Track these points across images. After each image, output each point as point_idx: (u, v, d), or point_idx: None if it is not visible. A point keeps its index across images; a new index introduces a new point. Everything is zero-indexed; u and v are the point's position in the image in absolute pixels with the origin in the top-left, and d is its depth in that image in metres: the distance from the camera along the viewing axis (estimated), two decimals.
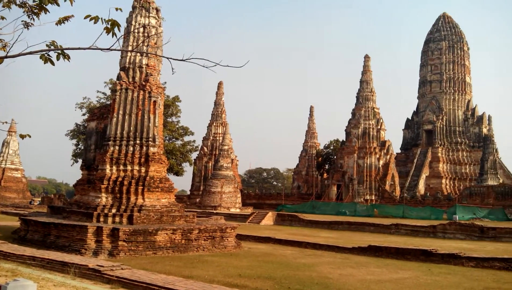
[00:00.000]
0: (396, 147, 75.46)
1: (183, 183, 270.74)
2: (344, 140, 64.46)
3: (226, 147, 53.88)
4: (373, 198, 58.89)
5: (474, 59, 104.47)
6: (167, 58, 5.93)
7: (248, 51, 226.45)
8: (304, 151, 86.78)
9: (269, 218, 38.95)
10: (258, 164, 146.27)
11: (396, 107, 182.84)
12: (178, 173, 60.72)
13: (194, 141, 64.45)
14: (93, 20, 5.63)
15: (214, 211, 43.52)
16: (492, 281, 13.61)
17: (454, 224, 29.59)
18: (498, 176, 61.85)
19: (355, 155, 60.93)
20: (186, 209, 26.05)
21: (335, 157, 69.42)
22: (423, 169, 68.04)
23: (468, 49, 76.91)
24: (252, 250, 20.04)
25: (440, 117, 72.22)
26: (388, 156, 62.91)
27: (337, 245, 21.24)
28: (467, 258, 16.63)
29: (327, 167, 77.73)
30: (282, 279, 12.82)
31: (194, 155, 67.89)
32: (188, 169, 65.87)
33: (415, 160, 69.75)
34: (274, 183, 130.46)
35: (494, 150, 63.75)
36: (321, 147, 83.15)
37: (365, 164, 60.48)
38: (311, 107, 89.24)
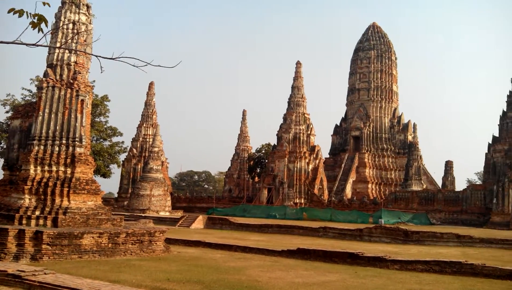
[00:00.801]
0: (325, 152, 77.07)
1: (110, 185, 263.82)
2: (276, 144, 65.12)
3: (156, 149, 52.99)
4: (303, 201, 59.80)
5: (401, 69, 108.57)
6: (96, 56, 5.71)
7: (181, 52, 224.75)
8: (236, 154, 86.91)
9: (199, 221, 38.68)
10: (190, 167, 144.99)
11: (325, 113, 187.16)
12: (106, 175, 59.02)
13: (122, 142, 62.85)
14: (18, 14, 5.29)
15: (143, 215, 42.62)
16: (415, 283, 14.09)
17: (379, 228, 30.54)
18: (422, 181, 64.54)
19: (286, 159, 61.67)
20: (113, 212, 25.37)
21: (266, 160, 69.95)
22: (350, 173, 69.85)
23: (395, 58, 79.80)
24: (181, 254, 19.75)
25: (368, 124, 74.42)
26: (317, 161, 64.14)
27: (266, 248, 21.33)
28: (392, 261, 17.15)
29: (258, 170, 78.15)
30: (211, 283, 12.69)
31: (122, 157, 66.35)
32: (116, 171, 64.30)
33: (343, 165, 71.47)
34: (206, 186, 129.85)
35: (418, 157, 66.47)
36: (253, 150, 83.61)
37: (295, 168, 61.34)
38: (244, 111, 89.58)
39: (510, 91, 54.58)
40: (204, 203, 66.49)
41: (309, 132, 64.72)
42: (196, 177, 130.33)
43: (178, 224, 37.88)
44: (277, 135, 64.81)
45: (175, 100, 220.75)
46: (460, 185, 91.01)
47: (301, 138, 63.42)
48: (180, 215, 43.80)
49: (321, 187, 63.40)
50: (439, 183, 68.18)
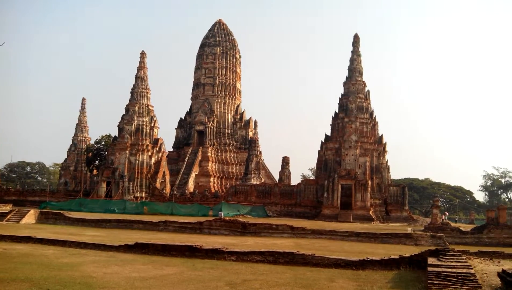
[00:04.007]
0: (168, 146, 76.63)
1: None
2: (117, 135, 63.03)
3: None
4: (144, 195, 58.75)
5: (244, 67, 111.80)
6: None
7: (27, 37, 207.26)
8: (74, 145, 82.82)
9: (30, 216, 36.13)
10: (21, 158, 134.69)
11: (170, 106, 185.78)
12: None
13: None
14: None
15: None
16: (250, 273, 14.48)
17: (219, 221, 31.05)
18: (261, 176, 67.22)
19: (127, 151, 60.03)
20: None
21: (106, 153, 67.48)
22: (194, 167, 70.26)
23: (240, 57, 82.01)
24: (8, 251, 18.22)
25: (212, 119, 75.48)
26: (160, 154, 63.47)
27: (103, 243, 20.53)
28: (229, 252, 17.47)
29: (97, 163, 75.19)
30: (41, 281, 11.87)
31: None
32: None
33: (186, 159, 71.64)
34: (39, 178, 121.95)
35: (258, 152, 69.08)
36: (92, 142, 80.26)
37: (137, 161, 60.02)
38: (83, 99, 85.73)
39: (342, 94, 59.00)
40: (37, 196, 61.98)
41: (152, 125, 63.73)
42: (29, 168, 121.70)
43: (6, 219, 34.93)
44: (118, 126, 62.77)
45: (6, 84, 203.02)
46: (296, 179, 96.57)
47: (144, 130, 62.23)
48: (9, 209, 40.26)
49: (163, 180, 62.85)
50: (277, 177, 71.54)
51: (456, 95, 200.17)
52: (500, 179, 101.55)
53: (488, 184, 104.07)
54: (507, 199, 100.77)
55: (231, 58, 79.75)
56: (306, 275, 14.59)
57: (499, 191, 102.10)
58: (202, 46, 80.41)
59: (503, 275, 11.15)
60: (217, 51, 78.51)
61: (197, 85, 79.09)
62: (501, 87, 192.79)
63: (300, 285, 12.94)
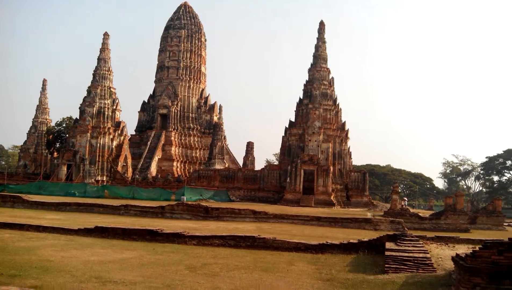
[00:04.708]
0: (131, 129, 75.73)
1: None
2: (78, 118, 61.85)
3: None
4: (105, 179, 58.02)
5: (210, 50, 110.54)
6: None
7: None
8: (34, 127, 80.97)
9: None
10: None
11: (133, 89, 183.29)
12: None
13: None
14: None
15: None
16: (211, 257, 14.47)
17: (181, 205, 30.89)
18: (225, 160, 67.18)
19: (89, 134, 59.05)
20: None
21: (67, 135, 66.20)
22: (156, 151, 69.65)
23: (205, 40, 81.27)
24: None
25: (175, 103, 74.79)
26: (122, 137, 62.66)
27: (62, 227, 20.15)
28: (190, 236, 17.41)
29: (58, 145, 73.73)
30: None
31: None
32: None
33: (149, 143, 70.96)
34: None
35: (223, 137, 69.04)
36: (53, 124, 78.54)
37: (98, 144, 59.12)
38: (44, 80, 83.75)
39: (306, 81, 59.28)
40: None
41: (114, 107, 62.77)
42: None
43: None
44: (80, 108, 61.63)
45: None
46: (260, 165, 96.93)
47: (106, 113, 61.26)
48: None
49: (125, 164, 62.13)
50: (241, 162, 71.65)
51: (418, 84, 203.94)
52: (459, 167, 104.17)
53: (448, 171, 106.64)
54: (465, 186, 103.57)
55: (196, 41, 78.99)
56: (266, 258, 14.67)
57: (458, 178, 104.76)
58: (167, 28, 79.31)
59: (456, 259, 11.43)
60: (182, 34, 77.59)
61: (161, 68, 78.10)
62: (462, 76, 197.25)
63: (260, 268, 13.01)
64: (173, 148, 71.78)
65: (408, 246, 15.19)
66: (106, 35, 63.25)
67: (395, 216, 32.37)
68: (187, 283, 10.66)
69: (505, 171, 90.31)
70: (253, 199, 53.12)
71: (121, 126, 62.96)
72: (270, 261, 14.18)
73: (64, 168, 57.70)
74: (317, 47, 59.94)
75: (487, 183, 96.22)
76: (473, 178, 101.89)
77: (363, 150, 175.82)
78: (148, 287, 10.18)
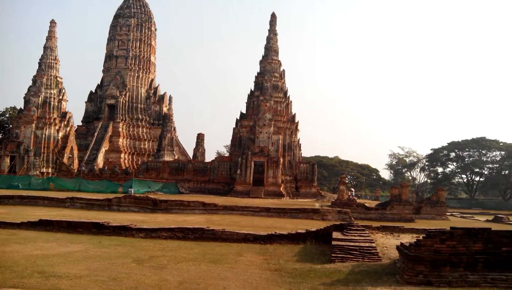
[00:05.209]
0: (78, 120, 73.96)
1: None
2: (22, 108, 59.80)
3: None
4: (50, 171, 56.46)
5: (160, 40, 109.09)
6: None
7: None
8: None
9: None
10: None
11: (81, 78, 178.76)
12: None
13: None
14: None
15: None
16: (158, 249, 14.33)
17: (129, 197, 30.41)
18: (174, 152, 66.55)
19: (34, 125, 57.26)
20: None
21: (10, 126, 63.94)
22: (103, 143, 68.27)
23: (155, 29, 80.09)
24: None
25: (124, 93, 73.43)
26: (68, 128, 61.13)
27: (4, 220, 19.44)
28: (138, 229, 17.17)
29: (1, 136, 71.18)
30: None
31: None
32: None
33: (96, 134, 69.47)
34: None
35: (172, 128, 68.35)
36: None
37: (44, 135, 57.41)
38: None
39: (258, 73, 59.40)
40: None
41: (61, 97, 61.10)
42: None
43: None
44: (24, 98, 59.60)
45: None
46: (210, 156, 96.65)
47: (52, 103, 59.57)
48: None
49: (71, 156, 60.67)
50: (191, 154, 71.17)
51: (366, 78, 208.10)
52: (404, 158, 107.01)
53: (394, 162, 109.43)
54: (410, 177, 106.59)
55: (146, 30, 77.73)
56: (215, 250, 14.66)
57: (404, 170, 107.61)
58: (116, 17, 77.62)
59: (400, 248, 11.77)
60: (131, 23, 76.16)
61: (109, 57, 76.44)
62: (408, 69, 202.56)
63: (209, 260, 12.98)
64: (120, 140, 70.51)
65: (355, 236, 15.51)
66: (53, 23, 61.35)
67: (342, 206, 32.97)
68: (134, 276, 10.53)
69: (449, 162, 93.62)
70: (203, 191, 52.90)
71: (68, 117, 61.36)
72: (219, 253, 14.18)
73: (7, 160, 55.73)
74: (268, 39, 60.11)
75: (432, 174, 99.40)
76: (418, 170, 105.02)
77: (313, 142, 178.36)
78: (94, 280, 9.98)
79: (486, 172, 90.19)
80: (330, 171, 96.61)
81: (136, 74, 75.72)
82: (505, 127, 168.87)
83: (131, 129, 73.20)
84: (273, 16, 60.66)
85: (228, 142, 72.18)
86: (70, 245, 14.54)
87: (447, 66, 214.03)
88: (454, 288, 10.21)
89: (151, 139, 73.86)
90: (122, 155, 69.62)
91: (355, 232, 16.16)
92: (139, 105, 75.44)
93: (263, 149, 52.88)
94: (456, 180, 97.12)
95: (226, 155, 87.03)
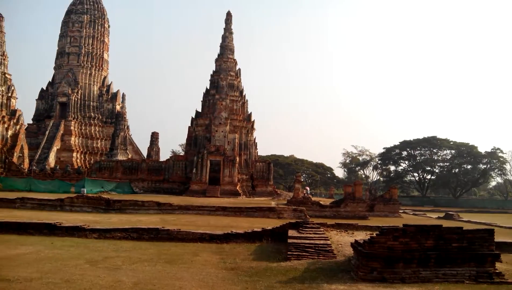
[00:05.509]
0: (28, 118, 71.87)
1: None
2: None
3: None
4: None
5: (114, 37, 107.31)
6: None
7: None
8: None
9: None
10: None
11: (31, 75, 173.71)
12: None
13: None
14: None
15: None
16: (112, 250, 14.10)
17: (82, 197, 29.78)
18: (128, 151, 65.50)
19: None
20: None
21: None
22: (55, 142, 66.59)
23: (108, 26, 78.58)
24: None
25: (76, 91, 71.81)
26: (18, 127, 59.30)
27: None
28: (91, 230, 16.85)
29: None
30: None
31: None
32: None
33: (47, 132, 67.66)
34: None
35: (126, 127, 67.25)
36: None
37: None
38: None
39: (213, 71, 59.17)
40: None
41: (10, 94, 59.18)
42: None
43: None
44: None
45: None
46: (166, 155, 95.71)
47: (0, 100, 57.60)
48: None
49: (21, 155, 58.85)
50: (145, 153, 70.27)
51: (320, 78, 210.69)
52: (358, 157, 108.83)
53: (347, 161, 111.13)
54: (363, 176, 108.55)
55: (99, 27, 76.22)
56: (170, 250, 14.55)
57: (357, 168, 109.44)
58: (69, 13, 75.74)
59: (355, 245, 11.98)
60: (84, 19, 74.52)
61: (61, 54, 74.55)
62: (362, 69, 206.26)
63: (164, 260, 12.87)
64: (72, 138, 68.92)
65: (310, 234, 15.69)
66: (0, 17, 59.35)
67: (297, 205, 33.27)
68: (88, 277, 10.33)
69: (401, 161, 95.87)
70: (158, 190, 52.28)
71: (17, 115, 59.50)
72: (174, 253, 14.08)
73: None
74: (224, 38, 59.97)
75: (384, 173, 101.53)
76: (371, 168, 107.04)
77: (269, 141, 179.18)
78: (46, 283, 9.73)
79: (437, 170, 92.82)
80: (286, 170, 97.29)
81: (89, 72, 74.16)
82: (455, 126, 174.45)
83: (84, 128, 71.67)
84: (229, 15, 60.58)
85: (184, 141, 71.47)
86: (20, 247, 14.14)
87: (397, 66, 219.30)
88: (407, 284, 10.47)
89: (104, 137, 72.49)
90: (75, 154, 68.09)
91: (310, 230, 16.35)
92: (91, 103, 73.90)
93: (219, 148, 52.74)
94: (408, 178, 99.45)
95: (181, 154, 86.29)
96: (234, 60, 59.86)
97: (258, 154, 62.79)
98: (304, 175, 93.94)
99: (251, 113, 59.81)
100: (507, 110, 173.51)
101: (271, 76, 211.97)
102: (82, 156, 69.63)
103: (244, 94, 59.81)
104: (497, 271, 11.13)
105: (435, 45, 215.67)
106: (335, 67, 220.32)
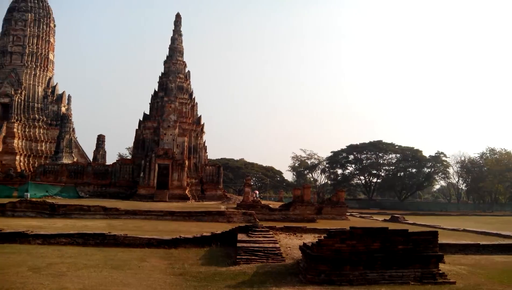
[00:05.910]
0: None
1: None
2: None
3: None
4: None
5: (59, 37, 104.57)
6: None
7: None
8: None
9: None
10: None
11: None
12: None
13: None
14: None
15: None
16: (57, 256, 13.68)
17: (25, 202, 28.77)
18: (73, 154, 63.83)
19: None
20: None
21: None
22: None
23: (54, 26, 76.44)
24: None
25: (19, 92, 69.40)
26: None
27: None
28: (34, 235, 16.30)
29: None
30: None
31: None
32: None
33: None
34: None
35: (71, 129, 65.57)
36: None
37: None
38: None
39: (162, 73, 58.58)
40: None
41: None
42: None
43: None
44: None
45: None
46: (112, 159, 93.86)
47: None
48: None
49: None
50: (91, 156, 68.70)
51: (269, 83, 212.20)
52: (306, 161, 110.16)
53: (296, 164, 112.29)
54: (312, 179, 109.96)
55: (44, 26, 73.96)
56: (117, 256, 14.25)
57: (306, 171, 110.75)
58: (11, 10, 73.10)
59: (303, 248, 12.09)
60: (28, 17, 72.10)
61: (3, 53, 71.84)
62: (310, 76, 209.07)
63: (111, 266, 12.59)
64: (15, 141, 66.53)
65: (259, 237, 15.73)
66: None
67: (247, 208, 33.31)
68: (30, 285, 9.96)
69: (348, 164, 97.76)
70: (104, 195, 51.16)
71: None
72: (121, 259, 13.80)
73: None
74: (173, 40, 59.50)
75: (332, 176, 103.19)
76: (319, 171, 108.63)
77: (219, 145, 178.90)
78: None
79: (382, 174, 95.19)
80: (235, 173, 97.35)
81: (33, 72, 71.84)
82: (400, 131, 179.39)
83: (27, 130, 69.32)
84: (178, 17, 60.17)
85: (131, 145, 70.23)
86: None
87: (343, 72, 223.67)
88: (355, 286, 10.64)
89: (49, 140, 70.35)
90: (17, 157, 65.74)
91: (259, 233, 16.39)
92: (36, 105, 71.57)
93: (167, 152, 52.16)
94: (355, 181, 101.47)
95: (128, 157, 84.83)
96: (184, 62, 59.48)
97: (208, 157, 62.56)
98: (254, 179, 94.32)
99: (200, 116, 59.58)
100: (451, 115, 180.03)
101: (221, 79, 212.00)
102: (25, 159, 67.31)
103: (193, 96, 59.50)
104: (440, 271, 11.48)
105: (380, 50, 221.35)
106: (284, 71, 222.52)
